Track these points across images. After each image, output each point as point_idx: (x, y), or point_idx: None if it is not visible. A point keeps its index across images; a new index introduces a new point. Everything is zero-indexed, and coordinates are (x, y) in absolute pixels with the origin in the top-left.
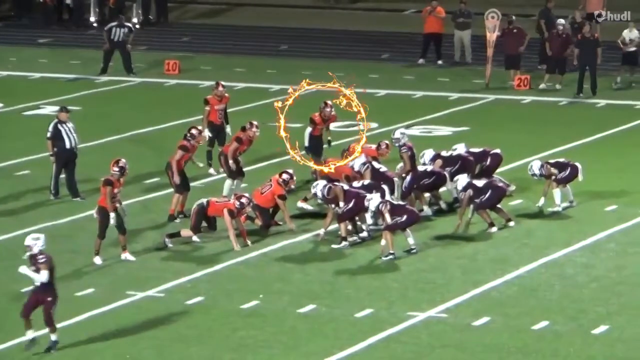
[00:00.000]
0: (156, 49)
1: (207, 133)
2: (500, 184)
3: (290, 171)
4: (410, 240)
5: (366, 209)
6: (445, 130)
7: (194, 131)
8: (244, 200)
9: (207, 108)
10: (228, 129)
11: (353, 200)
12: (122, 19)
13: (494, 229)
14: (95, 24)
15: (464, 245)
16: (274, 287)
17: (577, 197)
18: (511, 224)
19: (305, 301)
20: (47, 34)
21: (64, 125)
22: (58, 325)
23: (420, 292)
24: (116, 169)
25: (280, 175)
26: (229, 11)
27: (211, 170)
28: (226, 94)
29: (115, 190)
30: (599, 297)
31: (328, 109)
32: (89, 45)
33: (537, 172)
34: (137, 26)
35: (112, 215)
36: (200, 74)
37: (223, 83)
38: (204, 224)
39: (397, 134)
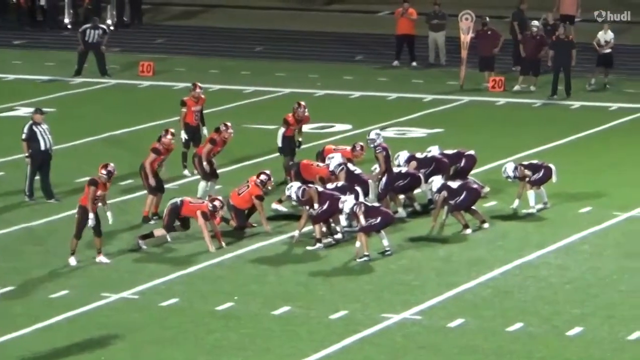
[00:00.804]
0: (130, 50)
1: (183, 135)
2: (475, 186)
3: (268, 172)
4: (385, 242)
5: (340, 211)
6: (419, 132)
7: (167, 134)
8: (217, 203)
9: (184, 110)
10: (204, 131)
11: (327, 202)
12: (97, 20)
13: (469, 231)
14: (69, 26)
15: (439, 247)
16: (248, 288)
17: (552, 199)
18: (485, 225)
19: (280, 303)
20: (22, 36)
21: (39, 126)
22: (32, 327)
23: (395, 294)
24: (104, 172)
25: (258, 176)
26: (203, 13)
27: (185, 172)
28: (203, 96)
29: (99, 193)
30: (574, 298)
31: (301, 110)
32: (64, 46)
33: (510, 174)
34: (112, 28)
35: (91, 216)
36: (175, 75)
37: (200, 84)
38: (177, 222)
39: (372, 135)
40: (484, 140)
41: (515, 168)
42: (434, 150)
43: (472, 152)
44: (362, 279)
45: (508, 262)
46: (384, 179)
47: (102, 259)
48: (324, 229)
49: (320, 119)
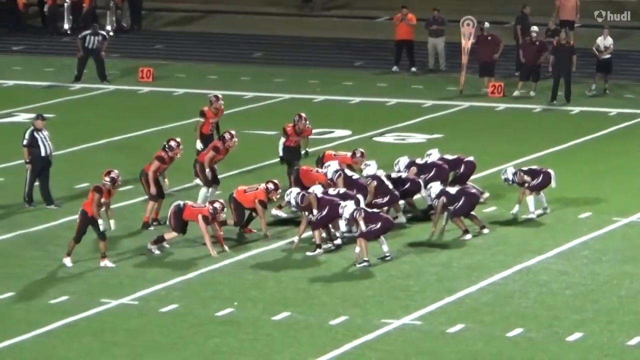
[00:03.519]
0: (130, 56)
1: (199, 144)
2: (473, 191)
3: (277, 182)
4: (385, 248)
5: (340, 216)
6: (419, 138)
7: (172, 143)
8: (217, 205)
9: (202, 120)
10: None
11: (327, 208)
12: (96, 26)
13: (468, 236)
14: (69, 32)
15: (439, 252)
16: (248, 294)
17: (551, 204)
18: (485, 231)
19: (280, 308)
20: (21, 42)
21: (39, 133)
22: (32, 333)
23: (395, 299)
24: (107, 179)
25: (266, 183)
26: (202, 18)
27: (197, 181)
28: (223, 107)
29: (103, 200)
30: (574, 304)
31: (302, 122)
32: (63, 52)
33: (510, 177)
34: (111, 34)
35: (100, 222)
36: (174, 81)
37: (220, 96)
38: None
39: (362, 166)
40: (483, 146)
41: (515, 173)
42: (434, 154)
43: (471, 158)
44: (362, 284)
45: (508, 267)
46: (386, 198)
47: (106, 263)
48: (324, 234)
49: (320, 124)
